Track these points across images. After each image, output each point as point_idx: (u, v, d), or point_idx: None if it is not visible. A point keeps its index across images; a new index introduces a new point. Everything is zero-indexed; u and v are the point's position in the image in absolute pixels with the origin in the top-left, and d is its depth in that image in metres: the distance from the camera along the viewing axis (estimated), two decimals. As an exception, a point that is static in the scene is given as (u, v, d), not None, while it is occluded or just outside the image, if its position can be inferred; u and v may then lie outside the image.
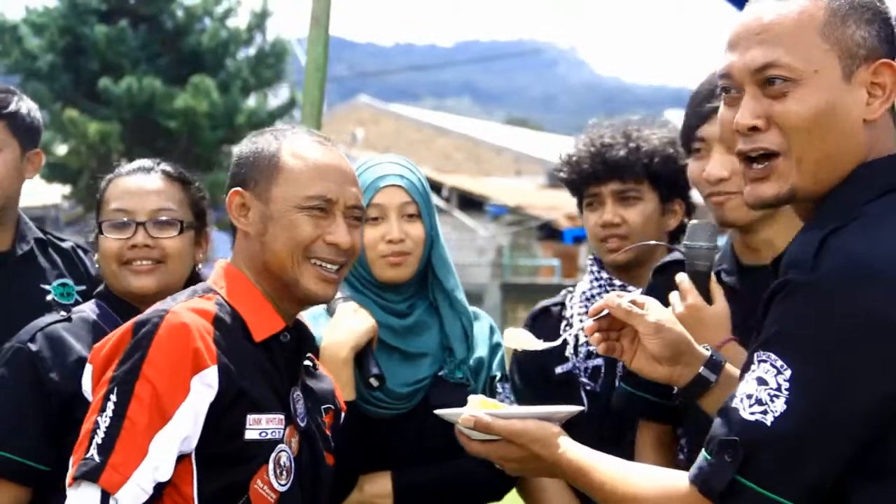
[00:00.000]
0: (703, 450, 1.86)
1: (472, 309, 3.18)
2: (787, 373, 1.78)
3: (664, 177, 3.22)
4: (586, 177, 3.25)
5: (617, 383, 3.14)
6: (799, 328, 1.79)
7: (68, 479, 2.22)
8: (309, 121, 4.14)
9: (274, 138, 2.46)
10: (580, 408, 2.31)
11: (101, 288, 3.00)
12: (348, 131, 37.27)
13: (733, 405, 1.83)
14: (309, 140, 2.47)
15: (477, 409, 2.21)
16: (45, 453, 2.68)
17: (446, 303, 3.09)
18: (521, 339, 2.47)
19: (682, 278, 2.61)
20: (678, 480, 1.90)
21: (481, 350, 3.10)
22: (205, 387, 2.24)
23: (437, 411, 2.29)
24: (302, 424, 2.43)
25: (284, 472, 2.36)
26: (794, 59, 1.89)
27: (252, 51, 24.98)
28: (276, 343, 2.41)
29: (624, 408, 2.85)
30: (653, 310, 2.30)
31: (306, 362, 2.56)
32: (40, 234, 3.50)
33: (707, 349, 2.35)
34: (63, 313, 2.88)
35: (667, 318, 2.30)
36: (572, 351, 3.22)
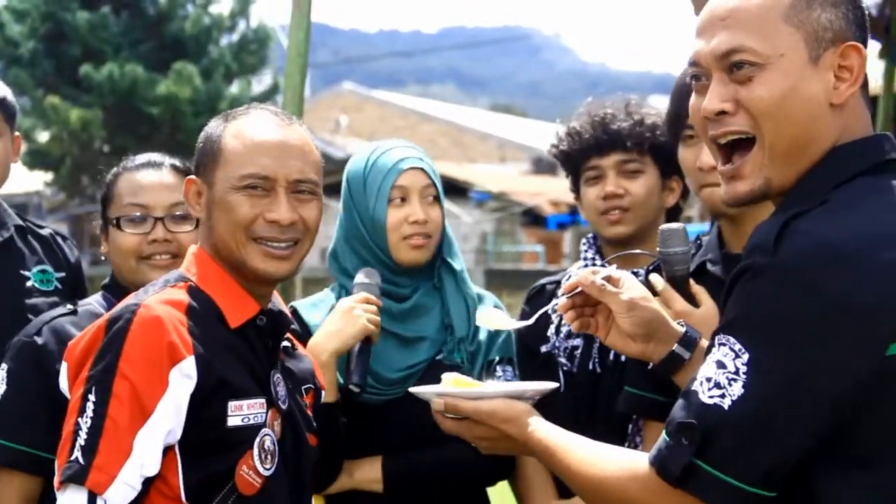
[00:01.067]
0: (662, 431, 1.86)
1: (477, 291, 3.16)
2: (745, 356, 1.77)
3: (665, 151, 3.16)
4: (588, 148, 3.20)
5: (592, 365, 3.15)
6: (758, 312, 1.78)
7: (56, 483, 2.21)
8: (291, 106, 4.13)
9: (223, 121, 2.45)
10: (552, 384, 2.29)
11: (107, 280, 3.01)
12: (332, 118, 37.23)
13: (693, 388, 1.82)
14: (257, 118, 2.44)
15: (449, 388, 2.21)
16: (54, 443, 2.69)
17: (453, 284, 3.07)
18: (493, 319, 2.47)
19: (662, 286, 2.60)
20: (640, 462, 1.90)
21: (482, 333, 3.08)
22: (184, 378, 2.22)
23: (411, 389, 2.29)
24: (283, 407, 2.42)
25: (269, 457, 2.35)
26: (759, 44, 1.89)
27: (235, 37, 24.91)
28: (252, 327, 2.40)
29: (630, 410, 2.83)
30: (627, 287, 2.30)
31: (285, 343, 2.55)
32: (19, 221, 3.49)
33: (682, 325, 2.35)
34: (69, 306, 2.90)
35: (640, 295, 2.30)
36: (553, 331, 3.21)
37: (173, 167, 3.00)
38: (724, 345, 1.80)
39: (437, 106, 47.61)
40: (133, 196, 2.93)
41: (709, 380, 1.80)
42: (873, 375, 1.74)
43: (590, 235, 3.35)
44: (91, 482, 2.15)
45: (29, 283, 3.36)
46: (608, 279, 2.29)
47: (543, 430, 2.11)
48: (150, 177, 2.97)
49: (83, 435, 2.18)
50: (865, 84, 1.97)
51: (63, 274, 3.44)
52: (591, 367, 3.15)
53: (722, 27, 1.92)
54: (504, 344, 3.10)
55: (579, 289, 2.30)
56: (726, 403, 1.77)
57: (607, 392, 3.09)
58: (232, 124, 2.43)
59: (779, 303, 1.76)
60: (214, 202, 2.39)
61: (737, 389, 1.77)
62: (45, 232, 3.53)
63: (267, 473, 2.33)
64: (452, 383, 2.22)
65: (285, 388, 2.45)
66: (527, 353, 3.22)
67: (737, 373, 1.77)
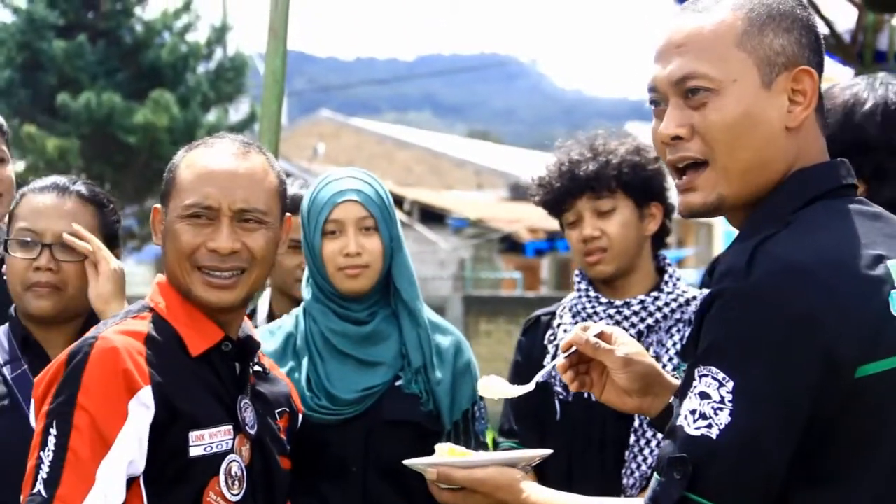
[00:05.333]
0: (654, 472, 1.86)
1: (443, 323, 3.24)
2: (730, 385, 1.77)
3: (635, 184, 3.29)
4: (561, 196, 3.32)
5: (587, 394, 3.17)
6: (736, 337, 1.79)
7: None
8: (267, 134, 4.13)
9: (185, 151, 2.48)
10: (545, 451, 2.29)
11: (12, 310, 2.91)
12: (310, 145, 37.18)
13: (678, 423, 1.82)
14: (213, 147, 2.46)
15: (443, 458, 2.20)
16: None
17: (405, 312, 3.13)
18: (494, 387, 2.43)
19: None
20: None
21: (444, 371, 3.14)
22: (142, 408, 2.24)
23: (405, 462, 2.27)
24: (252, 432, 2.42)
25: (237, 482, 2.36)
26: (712, 70, 1.92)
27: (212, 65, 24.89)
28: (216, 354, 2.40)
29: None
30: (621, 342, 2.28)
31: (257, 367, 2.55)
32: None
33: (677, 377, 2.33)
34: None
35: (635, 350, 2.28)
36: (550, 360, 3.25)
37: (78, 194, 2.90)
38: (705, 376, 1.80)
39: (413, 133, 47.63)
40: (26, 219, 2.84)
41: (693, 412, 1.80)
42: (843, 397, 1.77)
43: (580, 269, 3.42)
44: None
45: None
46: (601, 335, 2.28)
47: (537, 494, 2.11)
48: (49, 201, 2.86)
49: (45, 468, 2.18)
50: (821, 109, 2.00)
51: None
52: (585, 395, 3.17)
53: (677, 53, 1.95)
54: (472, 390, 3.16)
55: (574, 348, 2.28)
56: (714, 433, 1.77)
57: (602, 420, 3.13)
58: (189, 154, 2.46)
59: (754, 327, 1.77)
60: (166, 231, 2.41)
61: (724, 418, 1.77)
62: None
63: (234, 499, 2.34)
64: (447, 453, 2.21)
65: (254, 413, 2.45)
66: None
67: (722, 401, 1.77)
